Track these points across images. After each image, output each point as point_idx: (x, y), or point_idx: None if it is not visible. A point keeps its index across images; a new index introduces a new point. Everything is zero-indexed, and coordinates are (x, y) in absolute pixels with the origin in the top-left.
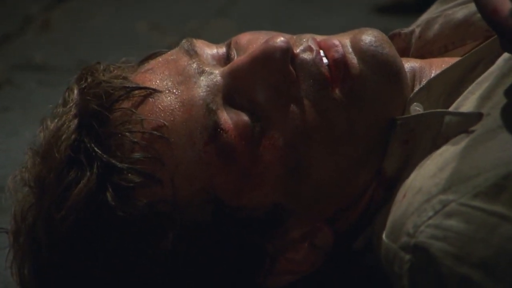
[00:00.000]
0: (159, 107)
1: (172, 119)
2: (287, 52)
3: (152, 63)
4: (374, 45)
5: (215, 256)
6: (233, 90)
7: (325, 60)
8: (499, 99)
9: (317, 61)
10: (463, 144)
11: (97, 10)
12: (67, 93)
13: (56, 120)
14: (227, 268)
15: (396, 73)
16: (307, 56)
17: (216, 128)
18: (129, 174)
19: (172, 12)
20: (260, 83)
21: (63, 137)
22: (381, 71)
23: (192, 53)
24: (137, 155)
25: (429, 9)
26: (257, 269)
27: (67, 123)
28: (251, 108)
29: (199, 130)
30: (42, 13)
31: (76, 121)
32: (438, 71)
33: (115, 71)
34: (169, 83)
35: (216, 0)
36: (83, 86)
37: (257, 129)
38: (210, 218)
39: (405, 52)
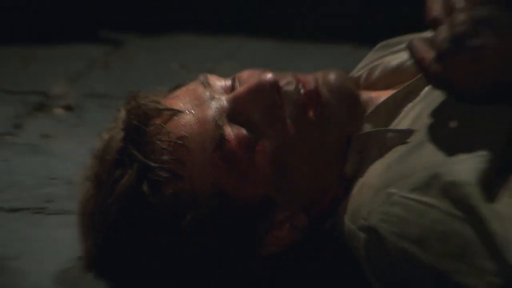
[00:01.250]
0: (181, 123)
1: (190, 131)
2: (274, 85)
3: (178, 91)
4: (338, 80)
5: (221, 232)
6: (235, 111)
7: (302, 90)
8: (426, 119)
9: (296, 91)
10: (401, 152)
11: (143, 54)
12: (117, 114)
13: (109, 133)
14: (229, 241)
15: (354, 101)
16: (289, 87)
17: (221, 139)
18: (159, 172)
19: (195, 56)
20: (255, 107)
21: (113, 145)
22: (343, 100)
23: (206, 84)
24: (165, 157)
25: (366, 57)
26: (251, 242)
27: (116, 135)
28: (248, 124)
29: (209, 140)
30: (104, 57)
31: (122, 133)
32: (384, 100)
33: (151, 97)
34: (189, 106)
35: (226, 47)
36: (129, 108)
37: (252, 140)
38: (218, 205)
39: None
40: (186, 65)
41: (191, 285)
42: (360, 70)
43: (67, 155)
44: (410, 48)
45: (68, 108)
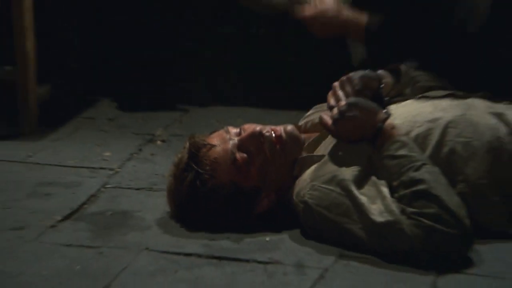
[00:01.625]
0: (216, 151)
1: (219, 155)
2: (260, 132)
3: (213, 134)
4: (291, 130)
5: (234, 202)
6: (241, 145)
7: (273, 135)
8: (329, 150)
9: (271, 135)
10: (318, 165)
11: (198, 116)
12: (184, 145)
13: (180, 154)
14: (238, 206)
15: (298, 140)
16: (267, 133)
17: (234, 159)
18: (204, 175)
19: (223, 116)
20: (250, 143)
21: (182, 160)
22: (294, 140)
23: (227, 131)
24: (207, 168)
25: (305, 115)
26: (248, 207)
27: (184, 155)
28: (247, 152)
29: (228, 159)
30: (179, 117)
31: (187, 155)
32: (312, 139)
33: (201, 137)
34: (219, 142)
35: (238, 113)
36: (190, 142)
37: (249, 160)
38: (233, 190)
39: (300, 132)
40: (219, 120)
41: (219, 226)
42: (302, 122)
43: (162, 163)
44: (320, 118)
45: (163, 141)
